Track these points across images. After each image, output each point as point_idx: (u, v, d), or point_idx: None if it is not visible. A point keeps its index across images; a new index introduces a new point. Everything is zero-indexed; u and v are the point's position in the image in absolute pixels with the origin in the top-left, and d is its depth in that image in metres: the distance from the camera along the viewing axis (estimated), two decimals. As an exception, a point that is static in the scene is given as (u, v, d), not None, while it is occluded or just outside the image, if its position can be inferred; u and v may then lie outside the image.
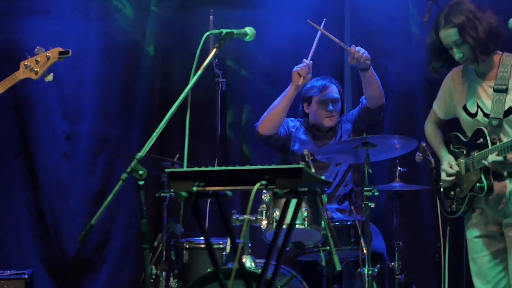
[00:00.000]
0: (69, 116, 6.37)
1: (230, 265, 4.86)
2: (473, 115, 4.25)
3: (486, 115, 4.18)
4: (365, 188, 4.79)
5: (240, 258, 3.83)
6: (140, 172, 3.48)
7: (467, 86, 4.32)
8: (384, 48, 6.33)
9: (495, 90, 4.15)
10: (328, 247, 4.55)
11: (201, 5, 6.08)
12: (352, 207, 5.24)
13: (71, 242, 6.23)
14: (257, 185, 3.20)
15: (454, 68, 4.42)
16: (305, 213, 4.75)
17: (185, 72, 6.00)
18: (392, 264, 5.17)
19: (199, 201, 3.45)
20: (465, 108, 4.30)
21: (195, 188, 3.30)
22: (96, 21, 6.37)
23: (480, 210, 4.28)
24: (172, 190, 5.15)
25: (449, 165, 4.34)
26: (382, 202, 6.06)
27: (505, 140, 4.03)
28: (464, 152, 4.31)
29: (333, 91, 5.71)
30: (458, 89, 4.38)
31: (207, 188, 3.32)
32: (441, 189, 4.47)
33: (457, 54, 4.16)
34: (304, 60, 5.46)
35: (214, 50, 3.81)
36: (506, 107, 4.09)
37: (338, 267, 4.37)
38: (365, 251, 4.78)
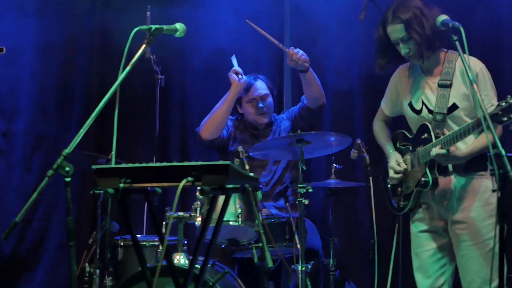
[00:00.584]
0: (4, 113, 6.28)
1: (164, 263, 4.81)
2: (418, 112, 4.30)
3: (430, 111, 4.23)
4: (299, 185, 4.79)
5: (170, 255, 3.81)
6: (67, 168, 3.42)
7: (413, 83, 4.38)
8: (323, 46, 6.37)
9: (440, 85, 4.21)
10: (260, 244, 4.55)
11: (139, 1, 6.03)
12: (287, 204, 5.24)
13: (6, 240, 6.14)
14: (184, 181, 3.19)
15: (401, 65, 4.48)
16: (239, 210, 4.75)
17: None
18: (327, 260, 5.18)
19: (127, 198, 3.43)
20: (410, 105, 4.35)
21: (121, 185, 3.27)
22: (32, 18, 6.28)
23: (426, 205, 4.32)
24: (105, 187, 5.08)
25: (396, 162, 4.38)
26: (320, 199, 6.08)
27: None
28: (410, 149, 4.36)
29: (260, 87, 5.68)
30: (404, 86, 4.43)
31: (134, 185, 3.29)
32: (389, 186, 4.51)
33: (403, 50, 4.21)
34: (242, 76, 5.44)
35: (143, 46, 3.79)
36: (450, 103, 4.14)
37: (270, 264, 4.36)
38: (299, 247, 4.78)
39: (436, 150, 4.01)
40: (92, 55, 6.46)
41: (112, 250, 5.13)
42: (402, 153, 4.42)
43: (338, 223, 5.29)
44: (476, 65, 4.18)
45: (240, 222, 4.76)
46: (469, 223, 4.15)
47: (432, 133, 4.17)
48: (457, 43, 3.75)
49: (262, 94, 5.66)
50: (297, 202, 4.80)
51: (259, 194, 4.76)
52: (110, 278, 5.07)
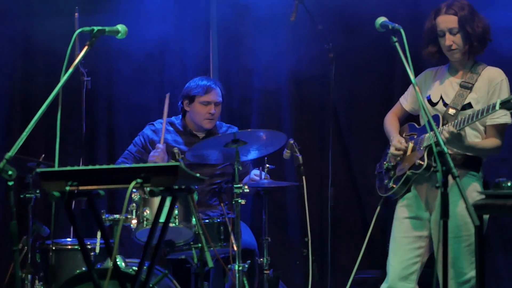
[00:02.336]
0: None
1: (99, 266, 4.78)
2: (434, 104, 4.47)
3: (445, 104, 4.41)
4: (235, 185, 4.80)
5: (114, 258, 3.78)
6: (10, 172, 3.38)
7: (437, 81, 4.56)
8: (252, 47, 6.42)
9: (461, 86, 4.41)
10: (199, 244, 4.56)
11: (65, 3, 5.95)
12: (222, 205, 5.25)
13: None
14: (133, 183, 3.19)
15: (429, 68, 4.67)
16: (176, 211, 4.75)
17: (47, 72, 5.97)
18: (261, 259, 5.21)
19: (72, 200, 3.40)
20: (428, 97, 4.52)
21: (68, 188, 3.24)
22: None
23: (416, 193, 4.46)
24: (37, 191, 5.01)
25: (399, 141, 4.51)
26: (250, 199, 6.12)
27: None
28: (415, 137, 4.51)
29: (218, 94, 5.67)
30: (427, 84, 4.60)
31: (81, 188, 3.27)
32: (385, 168, 4.60)
33: (447, 41, 4.38)
34: (158, 145, 5.41)
35: (86, 47, 3.77)
36: (466, 102, 4.32)
37: (210, 264, 4.38)
38: (235, 247, 4.80)
39: (450, 128, 4.15)
40: (15, 53, 6.32)
41: (43, 255, 5.05)
42: (406, 141, 4.55)
43: (269, 223, 5.32)
44: (499, 76, 4.41)
45: (177, 223, 4.77)
46: (452, 217, 4.22)
47: (441, 123, 4.34)
48: (396, 44, 3.83)
49: (217, 101, 5.66)
50: (233, 202, 4.81)
51: (195, 195, 4.78)
52: (41, 283, 5.00)
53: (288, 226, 6.37)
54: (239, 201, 4.79)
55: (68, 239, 5.31)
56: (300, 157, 5.17)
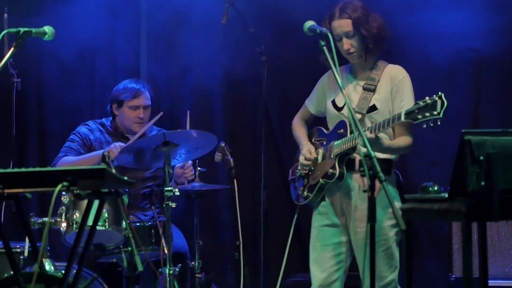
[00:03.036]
0: None
1: (28, 269, 4.74)
2: (339, 109, 4.45)
3: None
4: (166, 188, 4.79)
5: (41, 262, 3.75)
6: None
7: (344, 83, 4.51)
8: (184, 50, 6.42)
9: (364, 89, 4.39)
10: (129, 248, 4.54)
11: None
12: (153, 208, 5.24)
13: None
14: (59, 186, 3.16)
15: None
16: (106, 214, 4.71)
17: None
18: (193, 263, 5.22)
19: (-2, 204, 3.37)
20: (333, 102, 4.49)
21: (-7, 191, 3.21)
22: None
23: (330, 200, 4.44)
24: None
25: (308, 151, 4.48)
26: (181, 202, 6.12)
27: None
28: (324, 143, 4.49)
29: (147, 97, 5.64)
30: (331, 86, 4.56)
31: (6, 191, 3.23)
32: (297, 176, 4.59)
33: (345, 45, 4.35)
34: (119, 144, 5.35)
35: (12, 49, 3.73)
36: (371, 104, 4.32)
37: (140, 268, 4.37)
38: (166, 251, 4.80)
39: (367, 134, 4.10)
40: None
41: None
42: (316, 147, 4.54)
43: (201, 226, 5.34)
44: (400, 73, 4.41)
45: (107, 227, 4.73)
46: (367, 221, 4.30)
47: (348, 129, 4.31)
48: (324, 48, 3.89)
49: (146, 105, 5.63)
50: (164, 205, 4.80)
51: (125, 198, 4.77)
52: (-28, 286, 4.93)
53: (220, 229, 6.37)
54: (170, 204, 4.78)
55: (-2, 242, 5.24)
56: (231, 160, 5.20)
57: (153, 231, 5.03)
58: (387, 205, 4.11)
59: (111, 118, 5.73)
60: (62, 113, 6.36)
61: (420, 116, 3.92)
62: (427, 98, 3.91)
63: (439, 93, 3.94)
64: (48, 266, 4.63)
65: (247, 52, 6.11)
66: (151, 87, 6.35)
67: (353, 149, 4.29)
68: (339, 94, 4.49)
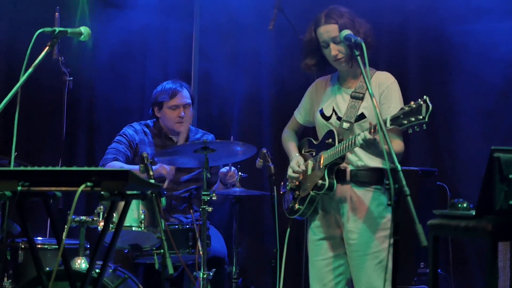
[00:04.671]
0: None
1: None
2: (327, 118, 4.36)
3: (339, 118, 4.30)
4: (203, 192, 4.80)
5: (67, 259, 3.79)
6: (-34, 170, 3.40)
7: (328, 92, 4.45)
8: (232, 52, 6.44)
9: (352, 97, 4.29)
10: (162, 250, 4.56)
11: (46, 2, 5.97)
12: (191, 211, 5.26)
13: None
14: (82, 186, 3.18)
15: (319, 78, 4.58)
16: (142, 216, 4.76)
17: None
18: (230, 268, 5.23)
19: (25, 200, 3.41)
20: (321, 111, 4.41)
21: (19, 188, 3.25)
22: None
23: (324, 212, 4.36)
24: (10, 189, 5.02)
25: (297, 163, 4.42)
26: (226, 206, 6.13)
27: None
28: (314, 154, 4.41)
29: (185, 96, 5.67)
30: (319, 95, 4.50)
31: (32, 188, 3.27)
32: (288, 189, 4.53)
33: (332, 51, 4.27)
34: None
35: (46, 48, 3.78)
36: (359, 113, 4.21)
37: (171, 271, 4.38)
38: (201, 254, 4.81)
39: (366, 134, 3.99)
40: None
41: (13, 253, 5.08)
42: (306, 159, 4.47)
43: (243, 231, 5.35)
44: (388, 79, 4.31)
45: (142, 228, 4.78)
46: (360, 233, 4.22)
47: (336, 139, 4.24)
48: (358, 58, 3.85)
49: (185, 103, 5.66)
50: (200, 209, 4.82)
51: (163, 200, 4.79)
52: (10, 281, 5.02)
53: (261, 236, 6.37)
54: (206, 208, 4.79)
55: (39, 238, 5.33)
56: (272, 166, 5.17)
57: (190, 234, 5.05)
58: (381, 215, 4.12)
59: (154, 120, 5.77)
60: (112, 113, 6.43)
61: (405, 122, 3.78)
62: (412, 102, 3.78)
63: (424, 96, 3.79)
64: (83, 264, 4.69)
65: (297, 59, 6.06)
66: (202, 92, 6.41)
67: (342, 158, 4.21)
68: (326, 103, 4.41)
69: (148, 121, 5.80)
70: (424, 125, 3.77)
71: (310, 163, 4.40)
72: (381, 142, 3.78)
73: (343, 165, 4.26)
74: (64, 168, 3.29)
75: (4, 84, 6.31)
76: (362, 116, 4.23)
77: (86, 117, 6.49)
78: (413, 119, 3.78)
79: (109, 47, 6.21)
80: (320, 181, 4.25)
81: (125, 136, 5.66)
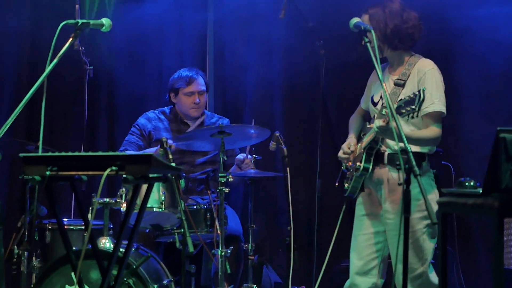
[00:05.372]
0: None
1: (89, 246, 4.82)
2: (375, 104, 4.42)
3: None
4: (220, 174, 4.82)
5: (94, 239, 3.82)
6: (-2, 156, 3.43)
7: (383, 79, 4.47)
8: (247, 43, 6.46)
9: (395, 84, 4.31)
10: (182, 230, 4.58)
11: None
12: (208, 192, 5.28)
13: None
14: (108, 170, 3.22)
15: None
16: (163, 197, 4.79)
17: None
18: (246, 245, 5.25)
19: (54, 184, 3.44)
20: (372, 98, 4.47)
21: (48, 172, 3.27)
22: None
23: (369, 191, 4.41)
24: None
25: (347, 145, 4.47)
26: (240, 187, 6.14)
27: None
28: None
29: (200, 83, 5.69)
30: (374, 83, 4.54)
31: (60, 173, 3.30)
32: (343, 168, 4.59)
33: (365, 39, 4.19)
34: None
35: (70, 39, 3.80)
36: (398, 99, 4.18)
37: (191, 249, 4.41)
38: (219, 233, 4.84)
39: (378, 122, 4.04)
40: (22, 45, 6.34)
41: (40, 233, 5.11)
42: (360, 141, 4.52)
43: (257, 211, 5.36)
44: (426, 66, 4.30)
45: (163, 209, 4.82)
46: (396, 214, 4.22)
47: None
48: (368, 44, 3.84)
49: (200, 90, 5.69)
50: (218, 190, 4.85)
51: (182, 182, 4.81)
52: (38, 260, 5.05)
53: (274, 215, 6.38)
54: (223, 189, 4.82)
55: (64, 220, 5.36)
56: (285, 149, 5.19)
57: (208, 214, 5.08)
58: (416, 197, 3.99)
59: (171, 106, 5.79)
60: (131, 100, 6.44)
61: (403, 111, 3.84)
62: (413, 92, 3.83)
63: (422, 87, 3.88)
64: (108, 243, 4.72)
65: (307, 46, 6.07)
66: (216, 78, 6.42)
67: (375, 142, 4.25)
68: (376, 90, 4.45)
69: (165, 108, 5.84)
70: (416, 114, 3.80)
71: (360, 145, 4.45)
72: (395, 128, 3.83)
73: (383, 148, 4.31)
74: (90, 153, 3.32)
75: (30, 75, 6.30)
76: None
77: (106, 104, 6.49)
78: (408, 108, 3.81)
79: (127, 37, 6.19)
80: (357, 163, 4.32)
81: (137, 126, 5.73)
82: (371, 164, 4.26)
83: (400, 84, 4.30)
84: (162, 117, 5.76)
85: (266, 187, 6.26)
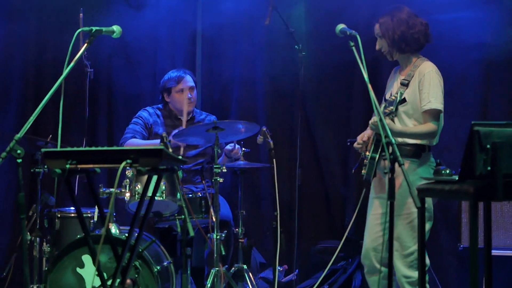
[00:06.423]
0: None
1: (97, 232, 4.82)
2: (386, 101, 4.39)
3: None
4: (214, 166, 4.84)
5: (107, 226, 3.80)
6: (18, 151, 3.41)
7: (392, 80, 4.57)
8: (232, 47, 6.45)
9: (401, 83, 4.37)
10: (183, 216, 4.58)
11: (71, 2, 5.91)
12: (203, 182, 5.27)
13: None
14: (123, 163, 3.20)
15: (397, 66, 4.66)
16: (163, 187, 4.79)
17: (55, 64, 5.94)
18: (237, 230, 5.25)
19: (71, 176, 3.41)
20: (384, 96, 4.53)
21: (68, 166, 3.25)
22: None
23: (379, 176, 4.44)
24: (45, 166, 5.03)
25: (362, 136, 4.50)
26: (228, 177, 6.14)
27: (397, 123, 4.29)
28: None
29: (188, 80, 5.68)
30: (388, 82, 4.61)
31: (79, 166, 3.28)
32: (363, 155, 4.59)
33: (377, 45, 4.44)
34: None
35: (85, 45, 3.76)
36: (402, 97, 4.20)
37: (191, 233, 4.40)
38: (214, 219, 4.84)
39: (373, 119, 4.13)
40: (29, 47, 6.27)
41: (50, 221, 5.07)
42: None
43: (244, 198, 5.35)
44: (425, 68, 4.36)
45: (164, 197, 4.81)
46: (396, 197, 4.26)
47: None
48: (353, 48, 3.86)
49: (190, 86, 5.67)
50: (212, 180, 4.84)
51: (180, 173, 4.81)
52: (48, 245, 5.02)
53: (261, 201, 6.39)
54: (218, 179, 4.83)
55: (71, 208, 5.31)
56: (271, 142, 5.21)
57: (203, 202, 5.08)
58: (414, 184, 4.00)
59: (163, 104, 5.79)
60: (128, 99, 6.40)
61: (387, 110, 3.96)
62: (392, 95, 3.97)
63: (399, 92, 4.01)
64: (113, 229, 4.72)
65: (287, 49, 6.09)
66: (205, 78, 6.42)
67: (379, 134, 4.29)
68: (389, 89, 4.53)
69: (160, 105, 5.81)
70: (394, 114, 3.93)
71: (372, 136, 4.46)
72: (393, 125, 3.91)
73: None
74: (106, 148, 3.30)
75: (36, 78, 6.26)
76: (403, 100, 4.22)
77: (105, 103, 6.43)
78: (389, 109, 3.94)
79: (124, 42, 6.14)
80: (367, 153, 4.37)
81: (140, 118, 5.68)
82: (378, 153, 4.28)
83: (405, 84, 4.36)
84: (158, 112, 5.75)
85: (251, 177, 6.26)
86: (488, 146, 3.14)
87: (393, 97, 3.99)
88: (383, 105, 4.35)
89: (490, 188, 3.14)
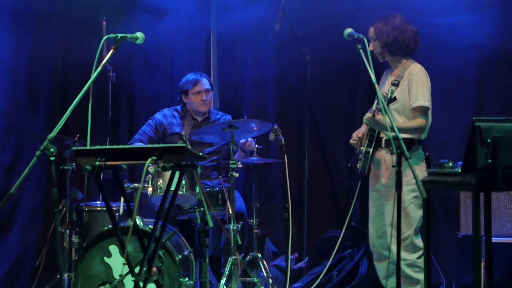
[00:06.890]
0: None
1: (122, 224, 4.81)
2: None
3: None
4: (230, 161, 4.83)
5: (134, 218, 3.80)
6: (51, 149, 3.41)
7: (384, 80, 4.62)
8: (244, 51, 6.44)
9: (392, 83, 4.42)
10: (202, 208, 4.58)
11: (95, 11, 5.91)
12: (220, 176, 5.27)
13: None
14: (149, 160, 3.21)
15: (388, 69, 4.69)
16: (183, 182, 4.77)
17: (80, 69, 5.94)
18: (251, 221, 5.25)
19: (100, 173, 3.41)
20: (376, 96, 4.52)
21: (97, 163, 3.25)
22: (5, 24, 6.06)
23: (373, 170, 4.50)
24: (74, 164, 5.05)
25: (357, 133, 4.56)
26: (242, 172, 6.14)
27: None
28: None
29: (204, 83, 5.67)
30: (381, 83, 4.63)
31: (108, 163, 3.28)
32: (358, 151, 4.60)
33: (371, 46, 4.47)
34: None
35: (111, 51, 3.76)
36: (393, 96, 4.23)
37: (211, 224, 4.41)
38: (230, 211, 4.84)
39: (367, 115, 4.20)
40: (56, 53, 6.26)
41: (78, 215, 5.08)
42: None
43: (258, 192, 5.35)
44: (414, 69, 4.42)
45: (184, 191, 4.79)
46: (388, 187, 4.37)
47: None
48: (360, 51, 3.86)
49: (206, 89, 5.66)
50: (228, 175, 4.84)
51: (198, 169, 4.80)
52: (77, 237, 5.03)
53: (273, 195, 6.39)
54: (234, 174, 4.83)
55: (98, 202, 5.33)
56: (282, 139, 5.21)
57: (220, 195, 5.07)
58: (405, 174, 4.10)
59: (181, 105, 5.78)
60: (147, 101, 6.40)
61: (379, 106, 4.00)
62: (385, 92, 4.02)
63: (391, 88, 4.07)
64: (138, 222, 4.71)
65: (295, 52, 6.08)
66: (219, 80, 6.41)
67: (373, 130, 4.35)
68: (381, 89, 4.52)
69: (178, 106, 5.81)
70: (383, 111, 3.85)
71: (366, 132, 4.49)
72: (388, 121, 3.87)
73: (381, 135, 4.39)
74: (132, 146, 3.30)
75: (62, 82, 6.26)
76: (394, 99, 4.25)
77: (126, 105, 6.44)
78: (381, 105, 3.89)
79: (144, 47, 6.13)
80: (361, 147, 4.41)
81: (154, 120, 5.70)
82: (372, 147, 4.31)
83: (395, 84, 4.40)
84: (176, 114, 5.74)
85: (264, 172, 6.25)
86: (489, 140, 3.14)
87: (385, 94, 4.06)
88: (375, 102, 4.36)
89: (491, 180, 3.14)
